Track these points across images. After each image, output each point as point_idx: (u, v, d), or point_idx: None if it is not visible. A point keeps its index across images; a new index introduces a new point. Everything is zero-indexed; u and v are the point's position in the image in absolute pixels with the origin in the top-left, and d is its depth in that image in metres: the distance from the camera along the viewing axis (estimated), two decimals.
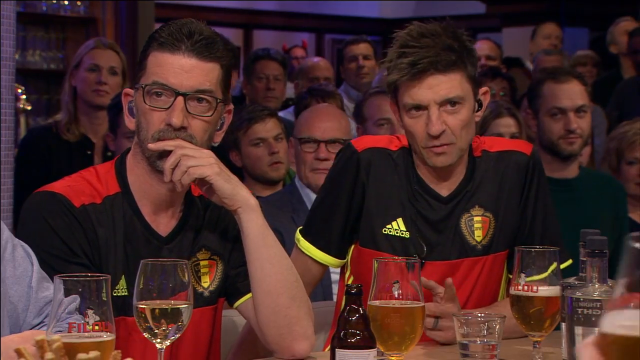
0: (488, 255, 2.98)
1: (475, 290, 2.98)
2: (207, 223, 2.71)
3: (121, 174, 2.64)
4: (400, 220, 2.97)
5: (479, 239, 2.98)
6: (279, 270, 2.62)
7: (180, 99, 2.51)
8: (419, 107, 2.89)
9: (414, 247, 2.94)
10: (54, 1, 7.50)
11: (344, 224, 3.01)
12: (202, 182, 2.56)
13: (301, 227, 3.10)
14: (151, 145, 2.53)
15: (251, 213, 2.59)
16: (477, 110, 2.97)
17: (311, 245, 3.04)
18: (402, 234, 2.96)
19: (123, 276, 2.57)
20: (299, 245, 3.05)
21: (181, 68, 2.52)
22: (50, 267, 2.46)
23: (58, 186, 2.59)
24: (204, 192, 2.64)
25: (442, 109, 2.88)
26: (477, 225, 2.98)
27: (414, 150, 2.99)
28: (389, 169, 2.99)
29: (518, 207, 3.02)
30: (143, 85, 2.54)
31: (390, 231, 2.96)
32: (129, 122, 2.61)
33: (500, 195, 3.01)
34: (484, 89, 3.00)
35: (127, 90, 2.63)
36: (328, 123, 4.25)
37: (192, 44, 2.53)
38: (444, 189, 2.99)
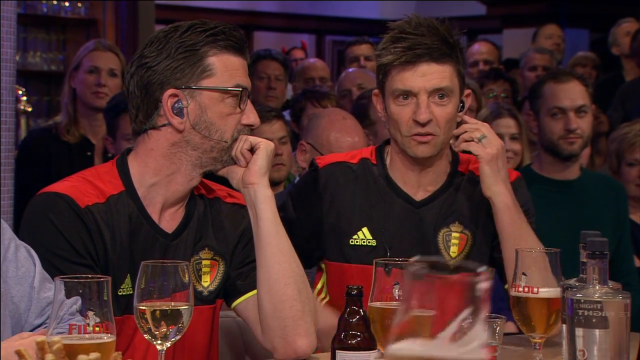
0: None
1: None
2: (211, 222, 2.73)
3: (125, 173, 2.65)
4: (365, 229, 2.98)
5: (453, 255, 2.98)
6: (287, 260, 2.64)
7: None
8: (407, 94, 2.91)
9: (382, 255, 2.92)
10: (55, 2, 7.50)
11: (304, 239, 3.00)
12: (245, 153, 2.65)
13: None
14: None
15: (268, 200, 2.65)
16: (460, 111, 2.98)
17: None
18: (369, 242, 2.97)
19: (128, 275, 2.58)
20: None
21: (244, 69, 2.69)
22: (54, 267, 2.47)
23: (62, 187, 2.59)
24: (224, 173, 2.67)
25: (431, 99, 2.90)
26: (454, 242, 2.99)
27: (394, 141, 2.98)
28: (349, 181, 3.01)
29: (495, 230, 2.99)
30: (240, 90, 2.61)
31: (357, 241, 2.98)
32: (178, 123, 2.61)
33: (479, 214, 3.00)
34: (467, 91, 3.03)
35: (174, 91, 2.59)
36: (355, 138, 4.23)
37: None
38: (418, 194, 3.00)
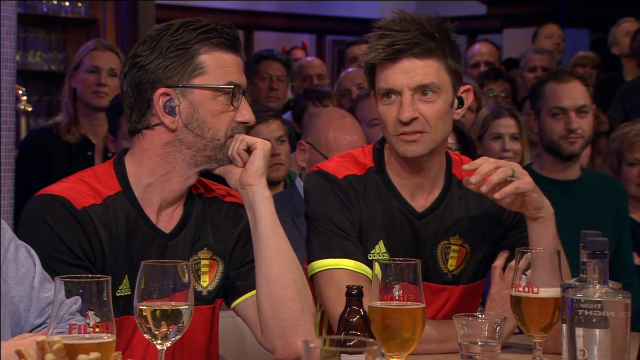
0: (456, 286, 2.93)
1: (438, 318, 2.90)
2: (209, 222, 2.72)
3: (121, 174, 2.64)
4: (381, 242, 2.89)
5: (451, 268, 2.92)
6: (286, 261, 2.63)
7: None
8: (392, 93, 2.81)
9: None
10: (55, 2, 7.50)
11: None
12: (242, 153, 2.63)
13: (320, 260, 2.86)
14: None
15: (266, 201, 2.63)
16: (458, 108, 2.88)
17: (348, 260, 2.85)
18: (384, 256, 2.87)
19: (126, 276, 2.57)
20: (331, 267, 2.85)
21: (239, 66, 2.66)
22: (52, 269, 2.46)
23: (58, 189, 2.59)
24: (221, 172, 2.65)
25: (416, 96, 2.79)
26: (452, 254, 2.92)
27: (387, 141, 2.89)
28: (363, 194, 2.90)
29: (494, 241, 2.96)
30: (232, 88, 2.58)
31: (374, 256, 2.87)
32: (170, 122, 2.59)
33: (478, 226, 2.94)
34: (466, 86, 2.90)
35: (165, 90, 2.58)
36: (354, 137, 4.22)
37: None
38: (419, 200, 2.91)
